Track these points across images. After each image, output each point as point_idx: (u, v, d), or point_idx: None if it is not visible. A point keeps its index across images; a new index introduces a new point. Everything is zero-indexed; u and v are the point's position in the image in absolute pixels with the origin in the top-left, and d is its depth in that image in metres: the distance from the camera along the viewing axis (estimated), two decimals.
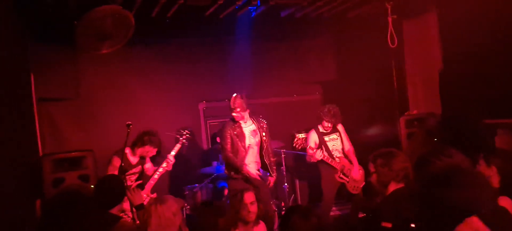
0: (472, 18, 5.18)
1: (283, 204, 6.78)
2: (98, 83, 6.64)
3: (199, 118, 7.45)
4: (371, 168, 3.34)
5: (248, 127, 5.63)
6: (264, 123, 5.75)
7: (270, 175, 5.73)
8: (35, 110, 5.46)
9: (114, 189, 3.69)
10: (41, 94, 5.82)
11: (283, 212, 6.81)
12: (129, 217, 4.58)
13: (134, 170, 5.46)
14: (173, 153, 5.40)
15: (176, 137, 5.43)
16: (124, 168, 5.30)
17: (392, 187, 3.21)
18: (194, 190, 6.25)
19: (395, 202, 3.13)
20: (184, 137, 5.52)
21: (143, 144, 5.41)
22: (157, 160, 5.78)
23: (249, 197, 4.39)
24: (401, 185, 3.19)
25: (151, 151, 5.44)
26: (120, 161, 4.88)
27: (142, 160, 5.50)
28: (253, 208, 4.37)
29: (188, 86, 7.19)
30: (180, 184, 6.52)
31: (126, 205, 4.30)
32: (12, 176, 3.76)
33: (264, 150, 5.68)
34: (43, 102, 6.08)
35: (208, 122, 7.42)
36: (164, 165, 5.44)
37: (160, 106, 6.88)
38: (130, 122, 5.30)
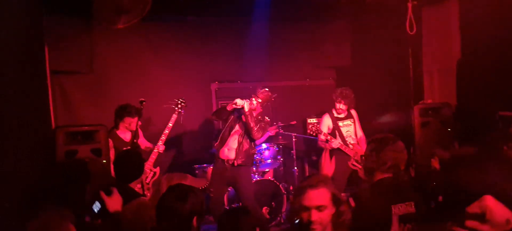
0: (494, 9, 5.07)
1: (291, 187, 6.78)
2: (112, 59, 6.63)
3: (211, 98, 7.43)
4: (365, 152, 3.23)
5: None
6: None
7: None
8: (48, 82, 5.45)
9: (134, 162, 3.68)
10: (54, 66, 5.81)
11: (291, 196, 6.80)
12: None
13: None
14: (166, 131, 5.41)
15: (172, 107, 5.44)
16: (134, 144, 5.36)
17: (378, 175, 3.07)
18: (205, 169, 6.25)
19: (376, 191, 3.04)
20: (179, 106, 5.53)
21: (122, 118, 5.41)
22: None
23: (314, 196, 2.56)
24: (387, 175, 3.05)
25: (132, 121, 5.40)
26: (112, 141, 4.98)
27: (134, 136, 5.51)
28: (317, 217, 2.51)
29: (202, 66, 7.15)
30: (191, 163, 6.52)
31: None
32: (26, 146, 3.76)
33: None
34: (56, 75, 6.08)
35: (220, 102, 7.37)
36: (160, 142, 5.46)
37: (172, 85, 6.85)
38: (143, 99, 5.32)
